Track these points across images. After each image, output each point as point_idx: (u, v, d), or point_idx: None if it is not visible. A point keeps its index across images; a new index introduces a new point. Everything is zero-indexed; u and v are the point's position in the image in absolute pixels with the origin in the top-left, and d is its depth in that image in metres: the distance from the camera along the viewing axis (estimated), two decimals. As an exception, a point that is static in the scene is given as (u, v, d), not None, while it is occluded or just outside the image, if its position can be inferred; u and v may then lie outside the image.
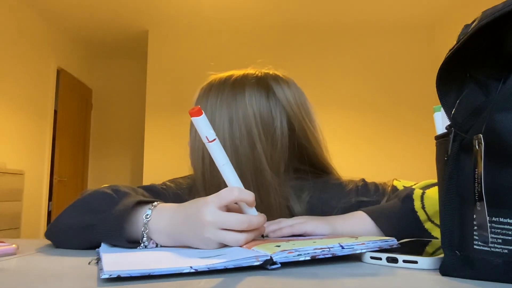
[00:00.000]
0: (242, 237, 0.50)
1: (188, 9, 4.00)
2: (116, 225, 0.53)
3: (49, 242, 0.65)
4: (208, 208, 0.51)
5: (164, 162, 4.16)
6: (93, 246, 0.57)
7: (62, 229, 0.60)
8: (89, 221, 0.57)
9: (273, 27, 4.30)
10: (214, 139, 0.53)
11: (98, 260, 0.46)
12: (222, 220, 0.50)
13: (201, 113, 0.52)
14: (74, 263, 0.47)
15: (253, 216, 0.53)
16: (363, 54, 4.29)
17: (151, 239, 0.55)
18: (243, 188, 0.55)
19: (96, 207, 0.58)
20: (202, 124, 0.52)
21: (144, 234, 0.55)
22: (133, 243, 0.55)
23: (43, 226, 4.06)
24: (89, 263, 0.46)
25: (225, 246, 0.52)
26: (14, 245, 0.54)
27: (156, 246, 0.56)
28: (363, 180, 0.81)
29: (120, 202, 0.57)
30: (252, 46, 4.30)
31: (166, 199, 0.70)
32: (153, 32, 4.38)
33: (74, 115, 4.71)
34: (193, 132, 0.77)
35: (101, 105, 5.28)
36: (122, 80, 5.28)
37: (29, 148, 3.87)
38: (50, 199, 4.21)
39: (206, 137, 0.53)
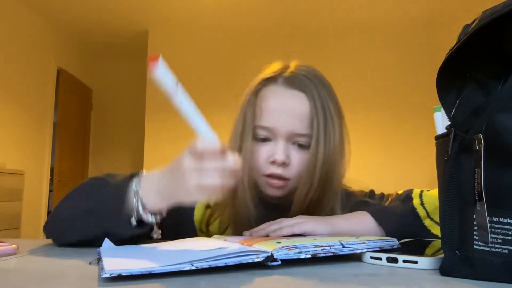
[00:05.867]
0: (220, 181, 0.50)
1: (188, 9, 4.00)
2: (116, 203, 0.55)
3: (49, 242, 0.65)
4: (185, 155, 0.52)
5: (164, 162, 4.14)
6: (95, 233, 0.56)
7: (60, 219, 0.61)
8: (87, 206, 0.57)
9: (273, 28, 4.30)
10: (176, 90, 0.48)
11: (99, 260, 0.46)
12: (197, 159, 0.51)
13: (158, 60, 0.45)
14: (74, 263, 0.47)
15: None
16: (363, 54, 4.28)
17: (145, 208, 0.56)
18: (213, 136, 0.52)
19: (91, 192, 0.59)
20: (165, 76, 0.46)
21: (139, 202, 0.55)
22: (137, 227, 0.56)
23: (43, 226, 4.06)
24: (90, 263, 0.46)
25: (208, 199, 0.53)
26: (14, 245, 0.54)
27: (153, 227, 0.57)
28: (372, 190, 0.84)
29: (112, 181, 0.59)
30: (252, 46, 4.29)
31: None
32: (153, 32, 4.38)
33: (74, 115, 4.71)
34: (234, 130, 0.78)
35: (101, 105, 5.28)
36: (122, 80, 5.28)
37: (29, 148, 3.87)
38: (50, 199, 4.22)
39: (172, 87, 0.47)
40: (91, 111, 5.22)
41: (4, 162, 3.29)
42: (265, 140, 0.75)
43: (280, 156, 0.72)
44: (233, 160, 0.53)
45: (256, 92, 0.78)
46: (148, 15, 4.11)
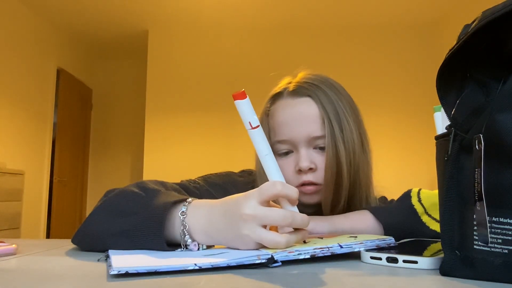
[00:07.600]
0: (283, 239, 0.45)
1: (188, 9, 4.00)
2: (154, 228, 0.49)
3: (49, 242, 0.64)
4: (248, 201, 0.46)
5: (164, 162, 4.16)
6: (126, 249, 0.51)
7: (93, 235, 0.55)
8: (122, 226, 0.51)
9: (273, 27, 4.30)
10: (258, 126, 0.48)
11: (107, 257, 0.47)
12: (262, 214, 0.45)
13: (245, 96, 0.47)
14: (74, 263, 0.47)
15: (298, 213, 0.48)
16: (364, 54, 4.29)
17: (194, 240, 0.50)
18: (285, 182, 0.49)
19: (127, 209, 0.53)
20: (246, 108, 0.48)
21: (186, 232, 0.49)
22: (172, 246, 0.50)
23: (43, 226, 4.06)
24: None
25: (263, 247, 0.47)
26: (14, 245, 0.54)
27: (198, 248, 0.50)
28: (383, 196, 0.86)
29: (152, 202, 0.52)
30: (252, 46, 4.29)
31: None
32: (153, 32, 4.38)
33: (74, 115, 4.71)
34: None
35: (101, 105, 5.28)
36: (122, 80, 5.28)
37: (29, 148, 3.87)
38: (50, 199, 4.21)
39: (249, 122, 0.48)
40: (91, 111, 5.22)
41: (4, 162, 3.29)
42: (287, 153, 0.76)
43: (303, 163, 0.72)
44: (302, 217, 0.48)
45: (267, 111, 0.80)
46: (148, 15, 4.12)
